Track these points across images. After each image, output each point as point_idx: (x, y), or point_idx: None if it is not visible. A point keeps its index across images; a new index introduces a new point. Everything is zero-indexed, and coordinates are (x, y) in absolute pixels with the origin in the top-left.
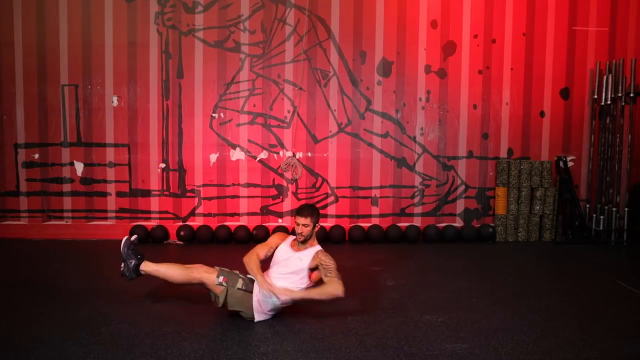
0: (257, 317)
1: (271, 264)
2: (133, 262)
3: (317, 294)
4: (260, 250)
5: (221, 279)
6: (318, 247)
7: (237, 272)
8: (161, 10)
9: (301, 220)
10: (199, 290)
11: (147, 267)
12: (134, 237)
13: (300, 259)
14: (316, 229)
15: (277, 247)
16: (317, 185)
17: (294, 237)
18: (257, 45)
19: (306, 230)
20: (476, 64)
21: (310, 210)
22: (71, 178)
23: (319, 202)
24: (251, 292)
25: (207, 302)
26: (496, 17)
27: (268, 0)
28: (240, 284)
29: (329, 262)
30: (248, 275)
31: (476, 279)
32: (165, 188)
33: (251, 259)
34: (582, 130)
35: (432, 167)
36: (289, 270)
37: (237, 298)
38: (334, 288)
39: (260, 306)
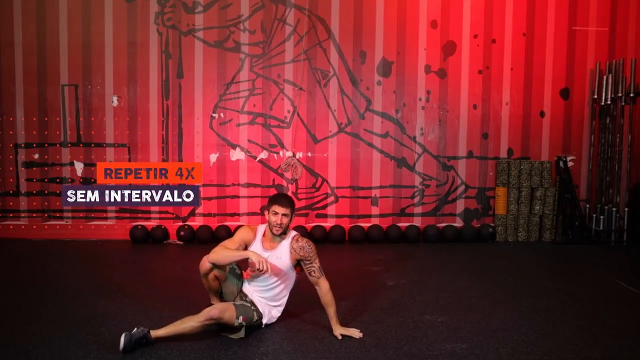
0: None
1: (247, 277)
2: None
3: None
4: (230, 245)
5: (241, 319)
6: (292, 234)
7: (245, 298)
8: (161, 10)
9: (281, 209)
10: (200, 290)
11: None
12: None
13: (279, 257)
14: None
15: (247, 248)
16: (317, 185)
17: (262, 229)
18: (257, 45)
19: (286, 220)
20: (476, 64)
21: (290, 200)
22: (71, 178)
23: (319, 202)
24: (261, 318)
25: (207, 302)
26: (496, 17)
27: (268, 0)
28: (255, 317)
29: (310, 253)
30: (248, 299)
31: (476, 279)
32: None
33: (221, 251)
34: (582, 130)
35: (432, 167)
36: (274, 279)
37: (253, 327)
38: (330, 295)
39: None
